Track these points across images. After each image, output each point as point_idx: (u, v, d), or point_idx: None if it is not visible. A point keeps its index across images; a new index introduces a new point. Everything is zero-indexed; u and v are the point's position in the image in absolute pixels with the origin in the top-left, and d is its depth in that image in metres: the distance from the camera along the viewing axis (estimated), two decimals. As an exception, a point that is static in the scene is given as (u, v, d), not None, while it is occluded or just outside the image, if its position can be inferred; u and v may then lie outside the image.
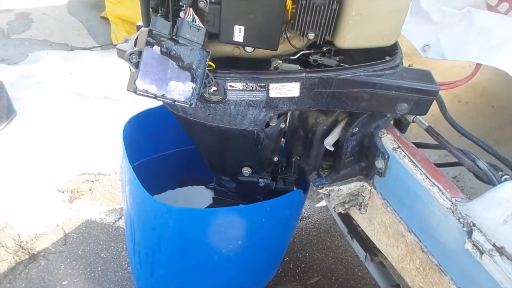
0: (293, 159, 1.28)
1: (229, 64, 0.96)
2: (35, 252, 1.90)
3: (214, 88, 0.92)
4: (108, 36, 3.70)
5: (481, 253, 0.80)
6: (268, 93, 0.91)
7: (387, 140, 1.11)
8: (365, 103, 0.93)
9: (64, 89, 2.97)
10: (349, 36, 0.84)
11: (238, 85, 0.91)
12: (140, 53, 0.77)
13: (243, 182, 1.29)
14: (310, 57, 0.95)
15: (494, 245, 0.79)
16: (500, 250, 0.77)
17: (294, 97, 0.92)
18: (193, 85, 0.85)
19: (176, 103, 0.84)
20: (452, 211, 0.90)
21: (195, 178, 1.63)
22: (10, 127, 2.55)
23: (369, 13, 0.81)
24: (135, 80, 0.78)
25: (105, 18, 3.90)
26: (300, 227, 2.20)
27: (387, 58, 0.91)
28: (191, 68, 0.84)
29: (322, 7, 0.79)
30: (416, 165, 1.02)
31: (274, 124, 1.10)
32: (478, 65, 1.05)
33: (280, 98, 0.92)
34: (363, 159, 1.21)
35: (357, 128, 1.10)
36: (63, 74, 3.14)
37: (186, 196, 1.59)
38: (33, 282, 1.78)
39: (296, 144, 1.25)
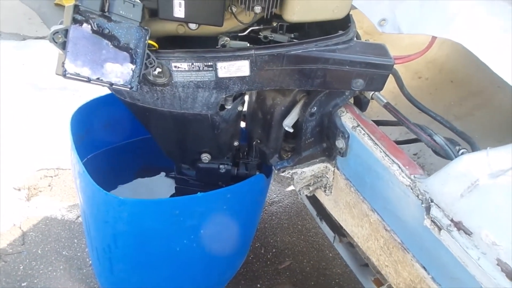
0: (254, 143, 1.23)
1: (177, 45, 0.90)
2: (-9, 254, 1.80)
3: (158, 70, 0.85)
4: (64, 23, 3.49)
5: (439, 229, 0.79)
6: (216, 73, 0.85)
7: (347, 119, 1.08)
8: (319, 80, 0.89)
9: (17, 81, 2.80)
10: (298, 9, 0.79)
11: (184, 66, 0.84)
12: (66, 32, 0.69)
13: (203, 169, 1.24)
14: (260, 33, 0.90)
15: (451, 220, 0.77)
16: (458, 225, 0.76)
17: (244, 77, 0.87)
18: (133, 66, 0.78)
19: (114, 86, 0.77)
20: (411, 188, 0.88)
21: (155, 167, 1.56)
22: (-41, 123, 2.38)
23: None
24: (63, 63, 0.70)
25: (59, 6, 3.69)
26: (270, 211, 2.17)
27: (340, 32, 0.87)
28: (129, 48, 0.77)
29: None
30: (375, 143, 0.99)
31: (230, 107, 1.04)
32: (433, 38, 1.02)
33: (230, 78, 0.87)
34: (324, 140, 1.18)
35: (315, 108, 1.07)
36: (16, 65, 2.95)
37: (146, 186, 1.53)
38: (-10, 286, 1.68)
39: (255, 127, 1.20)
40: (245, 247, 1.48)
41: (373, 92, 1.02)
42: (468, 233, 0.75)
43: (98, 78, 0.75)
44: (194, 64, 0.83)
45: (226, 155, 1.26)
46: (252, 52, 0.83)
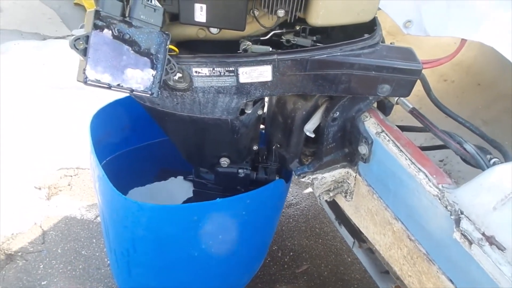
0: (273, 147, 1.21)
1: (198, 49, 0.88)
2: (12, 252, 1.83)
3: (179, 75, 0.84)
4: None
5: (470, 242, 0.75)
6: (238, 78, 0.83)
7: (370, 124, 1.05)
8: (343, 86, 0.86)
9: (37, 81, 2.84)
10: (322, 12, 0.76)
11: (205, 71, 0.83)
12: (87, 38, 0.68)
13: (222, 173, 1.22)
14: (283, 37, 0.87)
15: (483, 234, 0.73)
16: (490, 240, 0.72)
17: (266, 82, 0.84)
18: (154, 72, 0.77)
19: (134, 93, 0.75)
20: (439, 198, 0.84)
21: (173, 171, 1.55)
22: (-18, 122, 2.43)
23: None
24: (84, 69, 0.69)
25: (79, 5, 3.73)
26: (288, 214, 2.15)
27: (366, 36, 0.84)
28: (149, 54, 0.76)
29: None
30: (400, 150, 0.96)
31: (250, 112, 1.02)
32: (463, 41, 0.98)
33: (251, 84, 0.85)
34: (346, 145, 1.15)
35: (338, 113, 1.04)
36: (36, 65, 3.00)
37: (164, 190, 1.52)
38: (11, 284, 1.71)
39: (275, 132, 1.18)
40: (263, 252, 1.46)
41: (398, 97, 0.99)
42: (501, 248, 0.71)
43: (118, 85, 0.74)
44: (215, 69, 0.82)
45: (246, 159, 1.24)
46: (275, 57, 0.80)
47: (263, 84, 0.85)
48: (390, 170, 0.99)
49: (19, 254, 1.83)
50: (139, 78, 0.76)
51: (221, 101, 0.90)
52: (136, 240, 1.09)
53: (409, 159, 0.93)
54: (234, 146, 1.15)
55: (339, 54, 0.81)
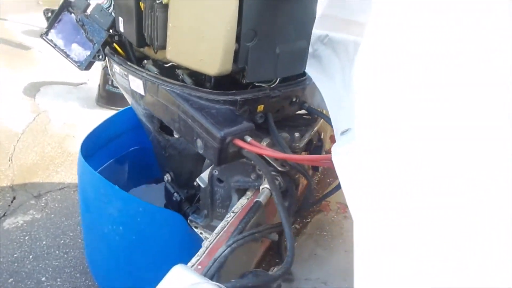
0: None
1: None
2: None
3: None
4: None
5: None
6: (129, 83, 1.02)
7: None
8: (177, 125, 0.88)
9: None
10: (169, 49, 0.85)
11: (117, 69, 1.06)
12: (52, 12, 1.07)
13: (165, 186, 1.36)
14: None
15: None
16: None
17: (142, 95, 0.99)
18: (88, 53, 1.08)
19: (68, 59, 1.09)
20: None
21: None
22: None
23: (178, 26, 0.81)
24: (48, 30, 1.09)
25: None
26: None
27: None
28: (92, 41, 1.08)
29: (150, 12, 0.86)
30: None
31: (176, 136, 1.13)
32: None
33: (136, 92, 1.01)
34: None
35: (217, 171, 1.00)
36: None
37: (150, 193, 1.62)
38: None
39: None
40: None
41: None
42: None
43: (63, 50, 1.09)
44: (121, 71, 1.04)
45: (186, 188, 1.31)
46: (144, 75, 0.95)
47: (141, 96, 0.99)
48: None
49: None
50: (78, 53, 1.09)
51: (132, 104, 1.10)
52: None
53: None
54: (172, 165, 1.27)
55: (177, 91, 0.86)
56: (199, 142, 0.82)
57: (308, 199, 1.04)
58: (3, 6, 4.20)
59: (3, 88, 3.20)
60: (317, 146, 1.15)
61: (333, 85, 1.01)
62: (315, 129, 1.09)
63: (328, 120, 0.95)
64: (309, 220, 1.19)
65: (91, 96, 3.24)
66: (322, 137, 1.19)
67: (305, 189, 1.07)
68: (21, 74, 3.49)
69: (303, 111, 1.08)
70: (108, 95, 2.98)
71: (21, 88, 3.31)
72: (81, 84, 3.45)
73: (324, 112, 1.04)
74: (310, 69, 1.04)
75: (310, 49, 1.08)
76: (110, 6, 1.06)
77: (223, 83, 0.91)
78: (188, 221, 1.15)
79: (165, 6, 0.83)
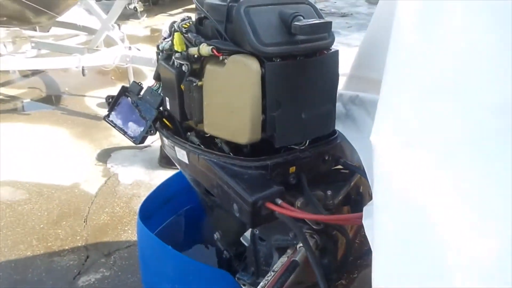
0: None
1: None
2: None
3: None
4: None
5: None
6: (176, 154, 1.14)
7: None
8: (216, 190, 0.97)
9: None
10: (206, 123, 0.96)
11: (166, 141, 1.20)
12: (112, 97, 1.26)
13: (215, 244, 1.43)
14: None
15: None
16: None
17: (187, 164, 1.10)
18: (142, 129, 1.24)
19: (126, 135, 1.25)
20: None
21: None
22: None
23: (211, 104, 0.92)
24: (109, 113, 1.27)
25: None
26: None
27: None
28: (145, 118, 1.24)
29: (188, 93, 0.99)
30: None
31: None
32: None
33: (181, 161, 1.13)
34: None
35: (257, 231, 1.06)
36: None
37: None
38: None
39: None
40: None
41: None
42: None
43: (122, 128, 1.26)
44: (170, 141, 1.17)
45: (234, 246, 1.37)
46: (187, 146, 1.06)
47: (186, 164, 1.11)
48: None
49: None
50: (134, 129, 1.25)
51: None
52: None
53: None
54: (220, 224, 1.35)
55: (214, 160, 0.96)
56: (235, 206, 0.90)
57: (347, 256, 1.05)
58: (81, 84, 4.84)
59: (79, 155, 3.60)
60: (356, 200, 1.16)
61: (368, 144, 1.04)
62: (352, 184, 1.12)
63: (364, 174, 0.98)
64: (355, 275, 1.18)
65: (154, 157, 3.52)
66: (361, 190, 1.20)
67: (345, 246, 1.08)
68: (95, 142, 3.91)
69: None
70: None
71: (95, 154, 3.69)
72: (146, 147, 3.77)
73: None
74: (345, 130, 1.09)
75: (344, 110, 1.14)
76: (158, 88, 1.22)
77: (260, 147, 0.99)
78: (236, 278, 1.20)
79: (200, 87, 0.95)
